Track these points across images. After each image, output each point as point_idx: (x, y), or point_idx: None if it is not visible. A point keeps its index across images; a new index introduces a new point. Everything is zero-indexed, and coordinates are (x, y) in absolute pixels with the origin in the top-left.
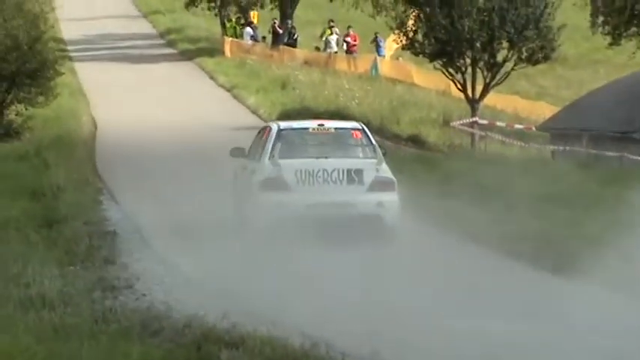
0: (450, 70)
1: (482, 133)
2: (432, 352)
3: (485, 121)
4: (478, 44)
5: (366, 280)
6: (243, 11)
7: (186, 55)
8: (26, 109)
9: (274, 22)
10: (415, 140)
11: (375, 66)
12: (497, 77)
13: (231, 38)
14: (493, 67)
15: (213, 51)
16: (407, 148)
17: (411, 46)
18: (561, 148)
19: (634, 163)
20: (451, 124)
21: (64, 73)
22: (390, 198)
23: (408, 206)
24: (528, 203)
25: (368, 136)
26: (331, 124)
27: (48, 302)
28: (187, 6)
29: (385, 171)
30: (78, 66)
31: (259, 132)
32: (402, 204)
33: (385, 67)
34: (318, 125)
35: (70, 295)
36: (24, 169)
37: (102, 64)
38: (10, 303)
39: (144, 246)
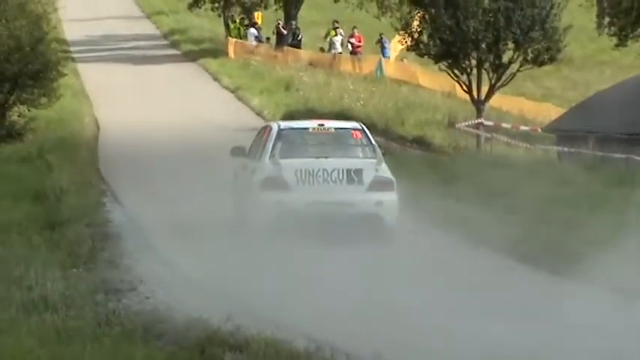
0: (456, 71)
1: (488, 135)
2: (433, 353)
3: (490, 123)
4: (483, 45)
5: (367, 280)
6: (247, 12)
7: (190, 56)
8: (29, 110)
9: (278, 23)
10: (420, 142)
11: (379, 67)
12: (503, 78)
13: (235, 39)
14: (499, 68)
15: (217, 52)
16: (412, 149)
17: (416, 47)
18: (567, 149)
19: None
20: (456, 125)
21: (66, 75)
22: (390, 197)
23: (413, 208)
24: (534, 205)
25: (367, 136)
26: (331, 124)
27: (50, 305)
28: (191, 7)
29: (384, 171)
30: (81, 67)
31: (260, 131)
32: (408, 206)
33: (390, 68)
34: (318, 125)
35: (73, 297)
36: (26, 171)
37: (105, 65)
38: (12, 306)
39: (147, 248)
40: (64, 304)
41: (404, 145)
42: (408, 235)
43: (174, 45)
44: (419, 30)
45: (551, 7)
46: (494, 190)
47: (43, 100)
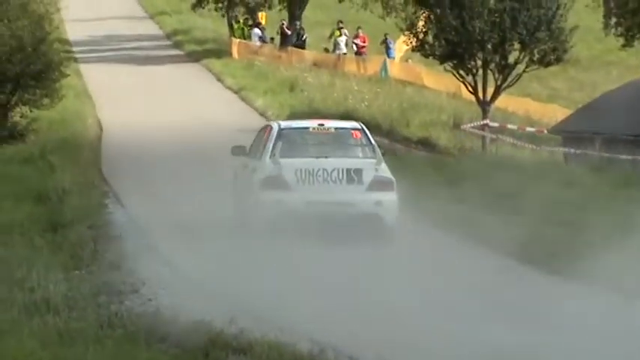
0: (461, 72)
1: (494, 136)
2: (433, 354)
3: (496, 124)
4: (489, 46)
5: (368, 280)
6: (251, 12)
7: (193, 57)
8: (31, 111)
9: (282, 23)
10: (425, 143)
11: (384, 68)
12: (509, 79)
13: (238, 39)
14: (504, 68)
15: (221, 52)
16: (417, 151)
17: (421, 48)
18: (573, 151)
19: None
20: (462, 126)
21: (69, 75)
22: (389, 197)
23: (419, 210)
24: (540, 207)
25: (367, 136)
26: (331, 123)
27: (53, 307)
28: (194, 7)
29: (384, 171)
30: (83, 67)
31: (260, 131)
32: (413, 207)
33: (395, 68)
34: (319, 125)
35: (75, 299)
36: (28, 172)
37: (108, 65)
38: (14, 307)
39: (150, 250)
40: (66, 305)
41: (409, 147)
42: (414, 237)
43: (177, 45)
44: (424, 30)
45: (558, 8)
46: (500, 191)
47: (46, 100)
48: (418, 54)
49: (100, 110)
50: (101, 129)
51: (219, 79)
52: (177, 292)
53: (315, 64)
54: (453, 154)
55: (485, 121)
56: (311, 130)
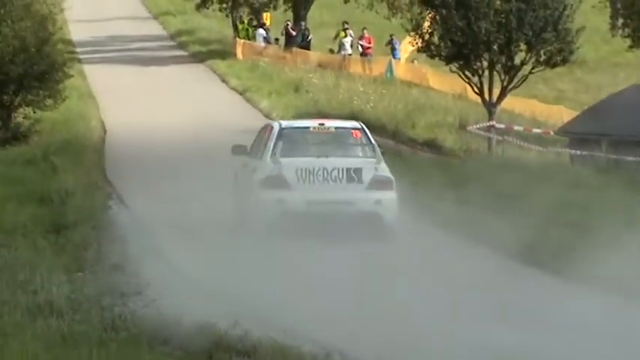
0: (467, 73)
1: (500, 138)
2: (433, 354)
3: (502, 126)
4: (495, 47)
5: (370, 280)
6: (256, 12)
7: (198, 58)
8: (34, 112)
9: (287, 24)
10: (431, 145)
11: (390, 69)
12: (515, 80)
13: (243, 40)
14: (510, 70)
15: (225, 53)
16: (423, 152)
17: (426, 49)
18: (580, 152)
19: None
20: (468, 128)
21: (72, 76)
22: (389, 196)
23: (424, 211)
24: (546, 208)
25: (367, 135)
26: (331, 123)
27: (56, 309)
28: (198, 7)
29: (384, 170)
30: (87, 68)
31: (261, 130)
32: (416, 209)
33: (400, 69)
34: (319, 124)
35: (79, 301)
36: (31, 174)
37: (111, 66)
38: (17, 310)
39: (154, 251)
40: (69, 308)
41: (414, 148)
42: (417, 238)
43: (181, 46)
44: (430, 31)
45: (564, 8)
46: (506, 193)
47: (49, 101)
48: (424, 55)
49: (104, 111)
50: (105, 130)
51: (223, 80)
52: (181, 293)
53: (320, 65)
54: (459, 155)
55: (491, 123)
56: (311, 129)
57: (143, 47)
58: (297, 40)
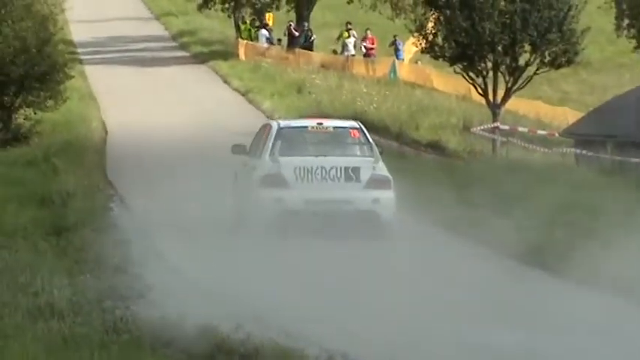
0: (471, 74)
1: (504, 139)
2: (435, 355)
3: (506, 127)
4: (500, 48)
5: (371, 280)
6: (258, 13)
7: (200, 59)
8: (35, 113)
9: (290, 25)
10: (435, 146)
11: (393, 70)
12: (520, 82)
13: (245, 41)
14: (515, 71)
15: (227, 54)
16: (426, 154)
17: (430, 50)
18: (585, 153)
19: None
20: (472, 129)
21: (73, 77)
22: (387, 195)
23: (426, 212)
24: (550, 210)
25: (365, 134)
26: (330, 122)
27: (57, 312)
28: (200, 8)
29: (382, 169)
30: (88, 69)
31: (260, 130)
32: (419, 210)
33: (404, 70)
34: (317, 124)
35: (80, 304)
36: (32, 175)
37: (112, 67)
38: (18, 312)
39: (156, 254)
40: (71, 310)
41: (418, 150)
42: (419, 239)
43: (183, 47)
44: (433, 32)
45: (569, 9)
46: (510, 194)
47: (50, 102)
48: (427, 56)
49: (105, 112)
50: (106, 131)
51: (225, 81)
52: (182, 295)
53: (323, 66)
54: (463, 157)
55: (495, 124)
56: (310, 129)
57: (145, 48)
58: (299, 40)
